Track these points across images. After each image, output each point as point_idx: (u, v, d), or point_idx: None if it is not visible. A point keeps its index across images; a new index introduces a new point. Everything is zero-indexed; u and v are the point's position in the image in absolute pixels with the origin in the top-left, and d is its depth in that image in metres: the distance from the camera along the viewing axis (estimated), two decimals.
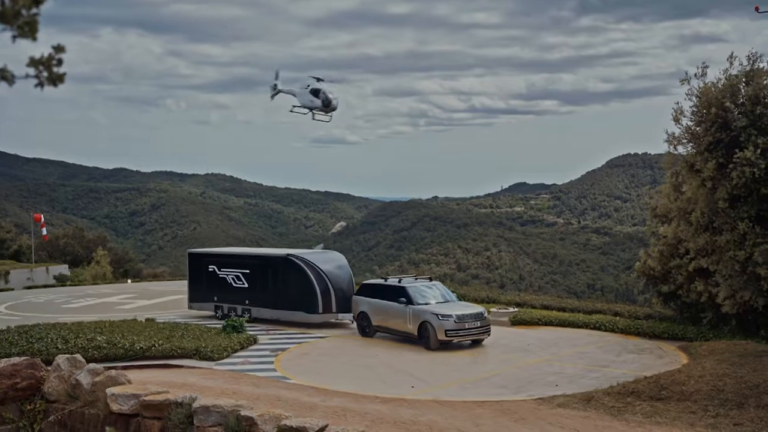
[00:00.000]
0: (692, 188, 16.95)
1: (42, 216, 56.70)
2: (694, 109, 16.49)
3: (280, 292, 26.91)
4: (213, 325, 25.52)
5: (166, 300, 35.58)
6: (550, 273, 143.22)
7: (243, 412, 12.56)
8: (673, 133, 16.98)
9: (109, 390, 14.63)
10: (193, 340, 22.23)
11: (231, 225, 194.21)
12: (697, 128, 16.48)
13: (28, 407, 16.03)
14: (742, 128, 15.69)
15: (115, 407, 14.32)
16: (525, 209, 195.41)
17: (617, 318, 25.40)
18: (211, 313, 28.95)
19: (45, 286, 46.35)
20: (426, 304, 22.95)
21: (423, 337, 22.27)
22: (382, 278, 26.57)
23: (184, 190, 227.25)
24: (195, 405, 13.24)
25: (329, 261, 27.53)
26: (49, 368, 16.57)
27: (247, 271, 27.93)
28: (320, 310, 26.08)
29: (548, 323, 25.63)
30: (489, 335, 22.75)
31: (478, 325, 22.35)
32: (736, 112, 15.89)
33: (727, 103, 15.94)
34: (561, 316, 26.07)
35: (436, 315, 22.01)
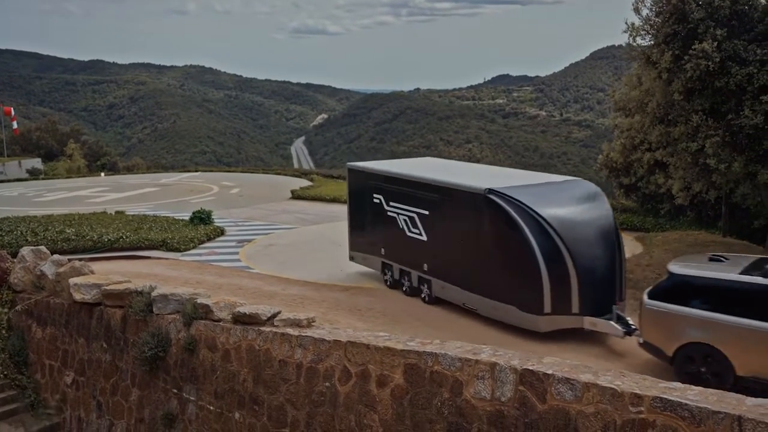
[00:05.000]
0: (649, 80, 17.01)
1: (12, 109, 55.82)
2: None
3: (477, 260, 14.80)
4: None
5: (137, 193, 35.73)
6: (531, 165, 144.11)
7: (200, 300, 12.96)
8: (633, 24, 16.88)
9: (72, 280, 15.02)
10: (161, 232, 22.59)
11: (211, 118, 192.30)
12: (657, 19, 16.38)
13: None
14: (700, 20, 15.64)
15: (78, 296, 14.74)
16: (507, 101, 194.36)
17: None
18: (377, 272, 18.18)
19: (18, 180, 46.24)
20: None
21: None
22: (717, 257, 12.12)
23: (163, 82, 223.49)
24: (154, 294, 13.65)
25: (572, 208, 14.21)
26: (15, 260, 16.94)
27: (426, 212, 16.16)
28: (547, 307, 13.54)
29: None
30: None
31: None
32: (694, 4, 15.77)
33: None
34: None
35: None
